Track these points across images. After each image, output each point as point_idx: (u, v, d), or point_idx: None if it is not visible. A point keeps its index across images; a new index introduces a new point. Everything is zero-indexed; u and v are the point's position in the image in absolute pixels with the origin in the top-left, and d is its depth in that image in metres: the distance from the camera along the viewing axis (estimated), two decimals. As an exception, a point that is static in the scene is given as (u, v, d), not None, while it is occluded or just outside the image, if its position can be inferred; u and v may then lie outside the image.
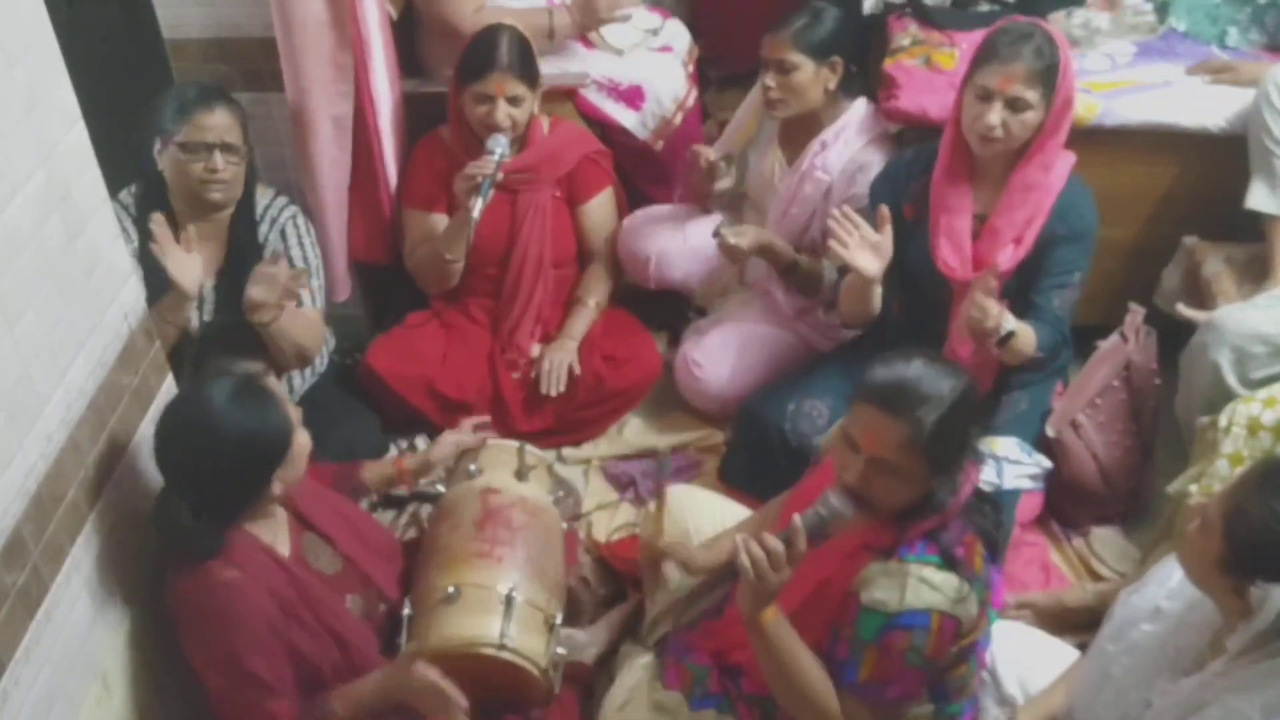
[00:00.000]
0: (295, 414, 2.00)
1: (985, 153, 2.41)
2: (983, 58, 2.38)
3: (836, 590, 1.83)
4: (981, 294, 2.27)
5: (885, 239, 2.39)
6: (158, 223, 2.40)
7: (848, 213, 2.39)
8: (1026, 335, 2.38)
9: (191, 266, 2.43)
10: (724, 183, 3.05)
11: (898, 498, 1.79)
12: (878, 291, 2.48)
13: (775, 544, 1.73)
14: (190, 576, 1.90)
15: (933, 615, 1.75)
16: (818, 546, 1.78)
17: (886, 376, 1.79)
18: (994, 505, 1.91)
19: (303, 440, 1.98)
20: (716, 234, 2.83)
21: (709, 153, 2.98)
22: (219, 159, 2.49)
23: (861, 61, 2.94)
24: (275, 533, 2.02)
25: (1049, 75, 2.32)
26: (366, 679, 2.01)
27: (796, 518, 1.75)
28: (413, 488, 2.62)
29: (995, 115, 2.34)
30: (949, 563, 1.77)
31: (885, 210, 2.40)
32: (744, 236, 2.82)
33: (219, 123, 2.50)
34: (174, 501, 1.88)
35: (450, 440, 2.49)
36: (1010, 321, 2.35)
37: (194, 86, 2.57)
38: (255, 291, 2.41)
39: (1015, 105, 2.33)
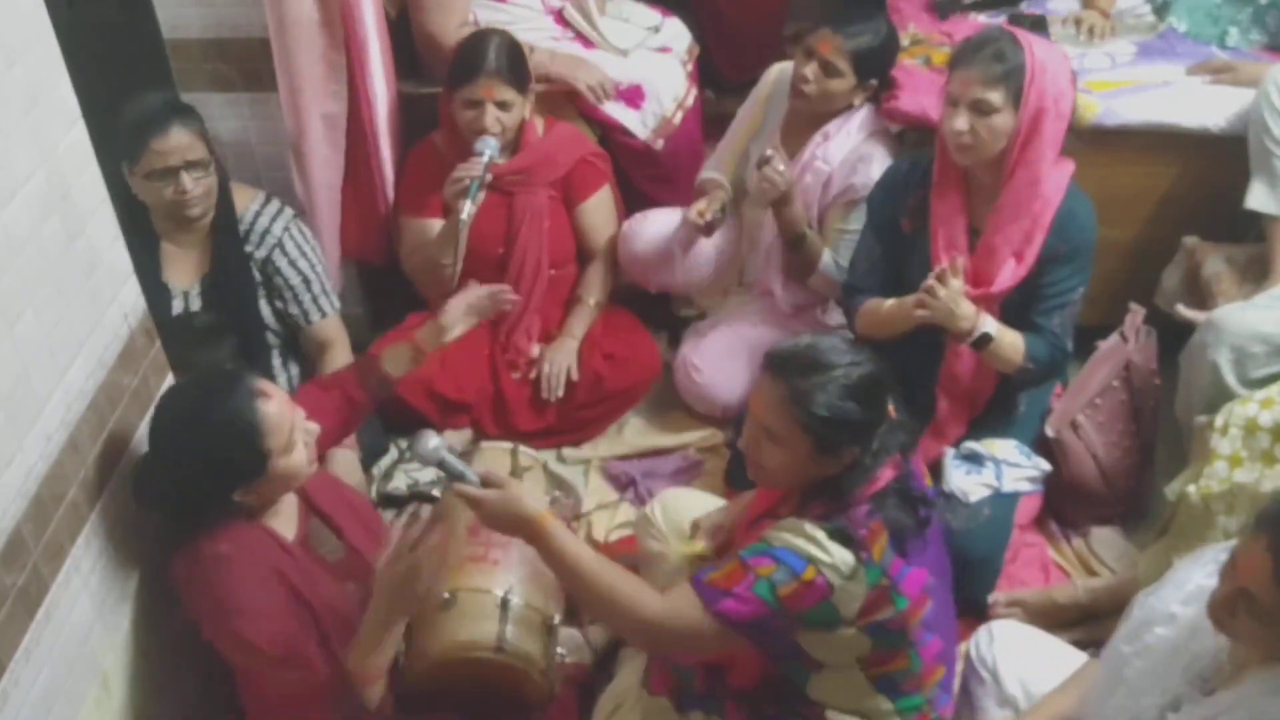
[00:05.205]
0: (311, 432, 1.97)
1: (963, 161, 2.41)
2: (950, 65, 2.40)
3: None
4: (950, 272, 2.32)
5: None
6: None
7: (954, 282, 2.36)
8: (1011, 341, 2.39)
9: None
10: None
11: (779, 464, 1.84)
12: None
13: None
14: (182, 555, 1.91)
15: (809, 566, 1.76)
16: None
17: (783, 344, 1.88)
18: (925, 502, 1.87)
19: (292, 463, 1.92)
20: (766, 160, 2.73)
21: (702, 209, 2.94)
22: (186, 180, 2.44)
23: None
24: (282, 516, 2.02)
25: (1011, 77, 2.30)
26: (364, 619, 1.93)
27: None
28: (421, 361, 2.49)
29: (961, 120, 2.34)
30: (843, 539, 1.77)
31: (960, 262, 2.38)
32: (787, 172, 2.77)
33: (177, 144, 2.42)
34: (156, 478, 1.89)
35: (459, 303, 2.47)
36: (987, 324, 2.36)
37: (141, 107, 2.44)
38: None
39: (979, 108, 2.32)
